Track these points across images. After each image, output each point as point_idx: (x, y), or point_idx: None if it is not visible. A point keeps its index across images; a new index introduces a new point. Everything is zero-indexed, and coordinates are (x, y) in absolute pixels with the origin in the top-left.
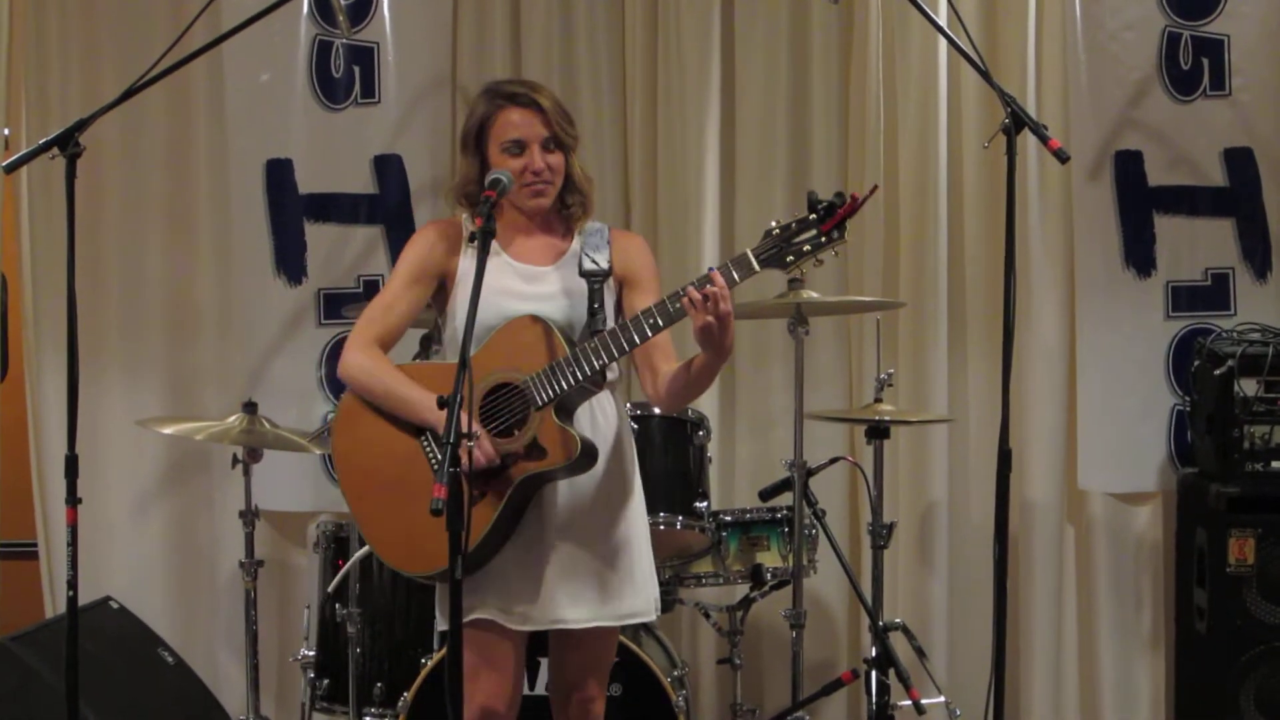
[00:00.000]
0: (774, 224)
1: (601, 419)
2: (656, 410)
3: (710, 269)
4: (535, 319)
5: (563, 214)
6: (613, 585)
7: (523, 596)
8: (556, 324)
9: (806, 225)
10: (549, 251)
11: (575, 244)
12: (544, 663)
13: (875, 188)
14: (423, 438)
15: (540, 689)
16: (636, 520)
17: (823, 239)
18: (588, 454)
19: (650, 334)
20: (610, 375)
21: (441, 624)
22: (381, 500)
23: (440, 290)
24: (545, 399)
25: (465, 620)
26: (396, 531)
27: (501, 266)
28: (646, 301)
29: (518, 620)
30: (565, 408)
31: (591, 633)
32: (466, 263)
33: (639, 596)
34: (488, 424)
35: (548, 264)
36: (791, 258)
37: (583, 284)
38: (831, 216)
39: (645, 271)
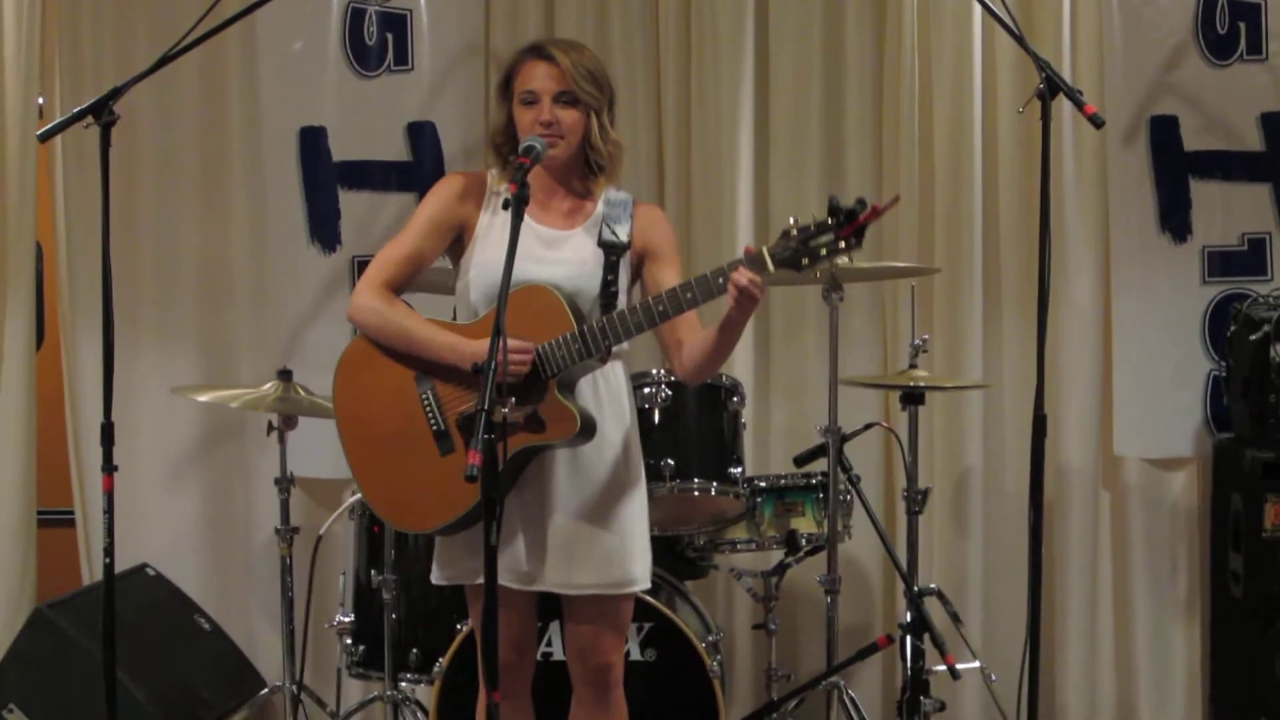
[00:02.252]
0: (792, 223)
1: (604, 389)
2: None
3: (729, 265)
4: (547, 289)
5: (584, 176)
6: (614, 553)
7: (529, 560)
8: (566, 294)
9: (825, 229)
10: (570, 215)
11: (598, 210)
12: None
13: (896, 198)
14: (423, 393)
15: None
16: (638, 489)
17: (840, 244)
18: (585, 430)
19: (659, 321)
20: (617, 347)
21: (437, 577)
22: (378, 452)
23: (457, 242)
24: (550, 372)
25: (474, 583)
26: (390, 485)
27: (521, 228)
28: (669, 274)
29: (524, 581)
30: (568, 380)
31: (598, 598)
32: (487, 217)
33: (638, 564)
34: None
35: (567, 228)
36: (807, 260)
37: (599, 253)
38: (851, 222)
39: (666, 245)
